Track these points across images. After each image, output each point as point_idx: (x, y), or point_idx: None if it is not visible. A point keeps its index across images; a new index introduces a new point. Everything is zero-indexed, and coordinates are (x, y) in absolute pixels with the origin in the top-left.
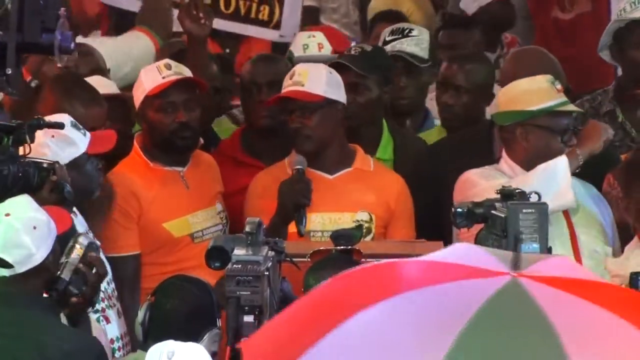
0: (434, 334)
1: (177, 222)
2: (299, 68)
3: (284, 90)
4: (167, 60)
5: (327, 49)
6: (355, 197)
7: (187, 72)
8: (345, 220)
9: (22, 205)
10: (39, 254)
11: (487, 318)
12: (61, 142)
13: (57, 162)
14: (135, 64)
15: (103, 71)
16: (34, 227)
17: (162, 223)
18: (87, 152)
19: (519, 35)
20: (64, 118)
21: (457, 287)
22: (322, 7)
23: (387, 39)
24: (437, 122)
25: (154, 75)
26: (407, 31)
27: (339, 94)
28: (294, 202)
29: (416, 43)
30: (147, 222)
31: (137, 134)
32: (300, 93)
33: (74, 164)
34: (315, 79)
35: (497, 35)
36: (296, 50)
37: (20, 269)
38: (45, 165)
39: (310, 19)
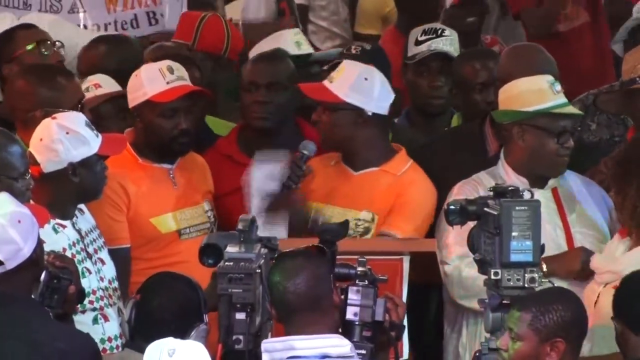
0: None
1: (163, 218)
2: (343, 64)
3: (317, 83)
4: (167, 63)
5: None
6: (365, 196)
7: (187, 76)
8: (349, 217)
9: (3, 202)
10: (27, 248)
11: None
12: (75, 140)
13: None
14: None
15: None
16: (19, 221)
17: (149, 218)
18: (98, 153)
19: (499, 36)
20: (79, 117)
21: None
22: (311, 5)
23: (420, 38)
24: None
25: (157, 79)
26: (440, 31)
27: (364, 102)
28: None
29: (450, 43)
30: (134, 216)
31: (128, 130)
32: (320, 91)
33: (85, 164)
34: (343, 81)
35: (476, 36)
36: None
37: (10, 265)
38: None
39: (299, 17)
